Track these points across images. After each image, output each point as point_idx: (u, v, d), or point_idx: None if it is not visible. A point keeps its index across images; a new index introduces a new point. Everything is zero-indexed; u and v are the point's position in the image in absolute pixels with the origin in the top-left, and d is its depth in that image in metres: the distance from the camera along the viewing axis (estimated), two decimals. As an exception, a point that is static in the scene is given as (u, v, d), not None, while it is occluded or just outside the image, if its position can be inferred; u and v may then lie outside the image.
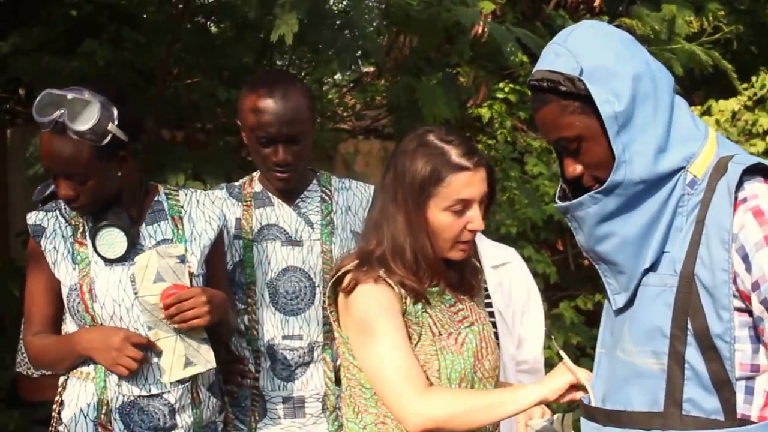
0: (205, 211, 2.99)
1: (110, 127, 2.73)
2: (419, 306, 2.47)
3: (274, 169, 3.03)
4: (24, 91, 5.71)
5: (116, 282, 2.81)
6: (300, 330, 3.06)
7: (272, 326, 3.07)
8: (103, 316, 2.79)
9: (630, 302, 2.16)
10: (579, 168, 2.14)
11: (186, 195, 3.01)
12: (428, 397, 2.36)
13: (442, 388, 2.43)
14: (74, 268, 2.82)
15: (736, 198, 2.01)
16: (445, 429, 2.36)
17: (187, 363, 2.80)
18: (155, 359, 2.80)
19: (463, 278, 2.61)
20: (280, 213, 3.13)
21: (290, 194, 3.15)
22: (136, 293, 2.79)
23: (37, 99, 2.71)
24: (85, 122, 2.71)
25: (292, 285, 3.07)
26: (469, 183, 2.45)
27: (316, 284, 3.08)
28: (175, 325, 2.76)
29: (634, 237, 2.10)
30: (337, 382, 3.04)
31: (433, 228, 2.47)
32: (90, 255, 2.82)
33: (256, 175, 3.23)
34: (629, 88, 2.05)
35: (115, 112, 2.75)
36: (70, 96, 2.71)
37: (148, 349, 2.78)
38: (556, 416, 2.54)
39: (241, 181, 3.26)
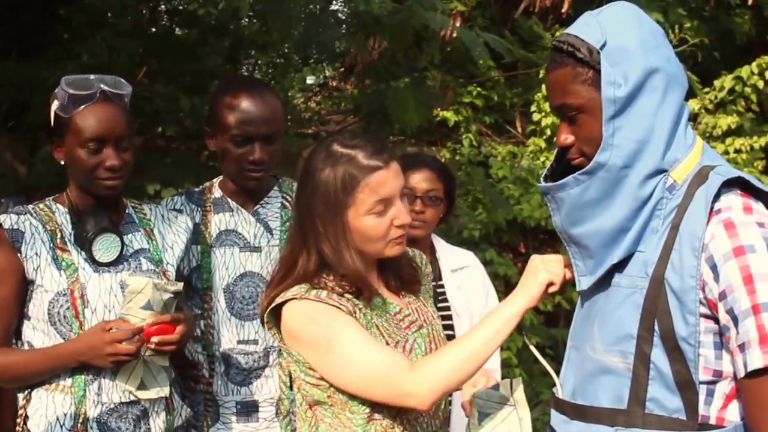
0: (171, 224, 3.01)
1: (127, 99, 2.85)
2: (367, 318, 2.41)
3: (248, 168, 3.04)
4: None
5: (107, 288, 2.80)
6: (255, 335, 3.06)
7: (227, 331, 3.06)
8: (93, 322, 2.76)
9: (601, 301, 2.20)
10: (571, 138, 2.17)
11: (150, 210, 3.03)
12: (418, 372, 2.28)
13: (426, 358, 2.35)
14: (60, 274, 2.78)
15: (711, 208, 2.03)
16: (452, 387, 2.33)
17: (141, 386, 2.79)
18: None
19: (401, 278, 2.56)
20: (238, 219, 3.14)
21: (250, 200, 3.16)
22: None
23: (71, 81, 2.76)
24: (126, 87, 2.83)
25: (249, 290, 3.07)
26: (384, 181, 2.38)
27: None
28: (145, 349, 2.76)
29: (610, 229, 2.12)
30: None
31: (360, 235, 2.40)
32: (76, 261, 2.80)
33: (216, 181, 3.23)
34: (640, 76, 2.08)
35: None
36: (92, 77, 2.80)
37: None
38: (502, 382, 2.50)
39: (201, 186, 3.26)
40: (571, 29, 2.17)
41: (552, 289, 2.31)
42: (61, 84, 2.78)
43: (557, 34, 5.24)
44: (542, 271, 2.30)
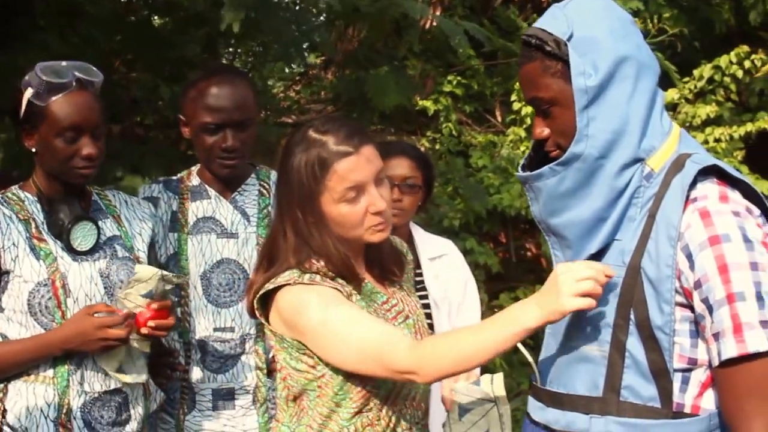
0: (136, 211, 3.00)
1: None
2: (363, 303, 2.38)
3: (220, 156, 3.04)
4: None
5: (88, 277, 2.79)
6: (232, 322, 3.06)
7: (204, 318, 3.05)
8: (75, 312, 2.74)
9: None
10: (546, 131, 2.17)
11: (114, 196, 3.01)
12: (420, 353, 2.19)
13: (433, 340, 2.28)
14: (40, 264, 2.75)
15: (687, 196, 2.04)
16: (448, 376, 2.27)
17: (119, 370, 2.79)
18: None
19: (386, 267, 2.52)
20: (216, 206, 3.13)
21: (228, 187, 3.15)
22: (111, 292, 2.79)
23: (45, 68, 2.74)
24: (98, 75, 2.81)
25: (226, 277, 3.07)
26: (354, 168, 2.32)
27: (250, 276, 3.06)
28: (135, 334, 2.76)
29: (587, 219, 2.12)
30: (269, 374, 3.03)
31: (335, 222, 2.36)
32: (54, 250, 2.78)
33: (194, 169, 3.22)
34: (610, 65, 2.08)
35: None
36: (65, 63, 2.78)
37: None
38: (483, 377, 2.48)
39: (179, 174, 3.25)
40: (539, 23, 2.17)
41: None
42: (35, 71, 2.75)
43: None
44: (568, 297, 2.04)
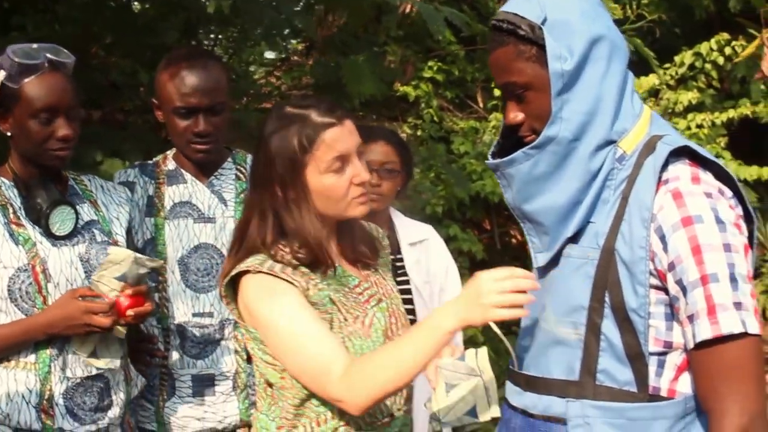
0: (112, 195, 2.99)
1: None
2: (323, 294, 2.37)
3: (194, 140, 3.02)
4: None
5: (68, 261, 2.78)
6: (211, 307, 3.04)
7: (182, 303, 3.04)
8: (56, 297, 2.74)
9: (553, 272, 2.20)
10: (520, 116, 2.16)
11: (90, 181, 3.00)
12: (349, 381, 2.22)
13: (359, 365, 2.26)
14: (19, 250, 2.75)
15: (660, 178, 2.04)
16: (382, 399, 2.28)
17: (92, 354, 2.78)
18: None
19: (359, 249, 2.52)
20: (193, 190, 3.11)
21: (204, 171, 3.13)
22: (89, 275, 2.78)
23: (17, 50, 2.74)
24: (69, 56, 2.80)
25: (204, 262, 3.06)
26: (339, 137, 2.35)
27: None
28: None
29: (563, 203, 2.12)
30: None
31: (320, 195, 2.36)
32: (33, 235, 2.77)
33: (170, 153, 3.20)
34: (584, 46, 2.08)
35: None
36: (35, 45, 2.77)
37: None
38: (468, 351, 2.46)
39: (155, 159, 3.24)
40: (509, 7, 2.16)
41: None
42: (6, 54, 2.74)
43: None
44: (490, 309, 2.11)
